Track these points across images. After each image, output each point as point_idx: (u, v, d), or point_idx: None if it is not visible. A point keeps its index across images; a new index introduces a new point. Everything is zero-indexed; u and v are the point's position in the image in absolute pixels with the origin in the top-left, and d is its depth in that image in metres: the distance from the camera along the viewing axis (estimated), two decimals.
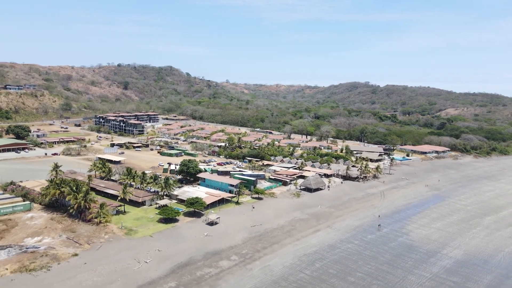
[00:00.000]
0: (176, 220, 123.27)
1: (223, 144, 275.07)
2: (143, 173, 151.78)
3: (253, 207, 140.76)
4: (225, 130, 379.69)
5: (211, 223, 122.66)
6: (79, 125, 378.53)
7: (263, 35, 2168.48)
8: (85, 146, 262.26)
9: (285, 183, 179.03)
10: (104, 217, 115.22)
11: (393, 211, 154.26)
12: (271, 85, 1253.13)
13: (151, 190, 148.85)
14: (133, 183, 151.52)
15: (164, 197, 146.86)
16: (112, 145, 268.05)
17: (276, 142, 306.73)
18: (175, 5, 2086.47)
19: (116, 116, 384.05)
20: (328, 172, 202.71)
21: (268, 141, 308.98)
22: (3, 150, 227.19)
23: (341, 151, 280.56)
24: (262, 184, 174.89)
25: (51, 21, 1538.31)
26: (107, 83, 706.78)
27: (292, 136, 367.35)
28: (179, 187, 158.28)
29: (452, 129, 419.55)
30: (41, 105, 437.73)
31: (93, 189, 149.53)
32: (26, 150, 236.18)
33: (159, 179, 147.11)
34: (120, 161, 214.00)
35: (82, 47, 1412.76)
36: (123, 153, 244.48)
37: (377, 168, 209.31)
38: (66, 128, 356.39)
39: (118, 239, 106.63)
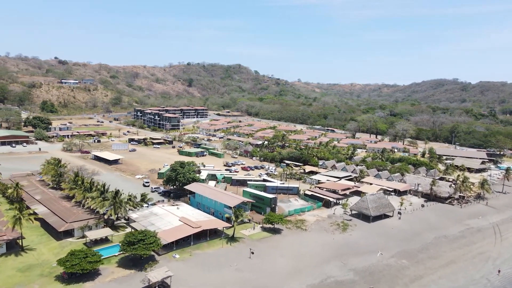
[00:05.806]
0: (93, 276, 66.11)
1: (260, 142, 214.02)
2: (91, 182, 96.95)
3: (252, 252, 78.24)
4: (278, 127, 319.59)
5: None
6: (117, 119, 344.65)
7: (338, 34, 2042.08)
8: (99, 141, 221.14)
9: (326, 204, 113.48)
10: None
11: None
12: (345, 84, 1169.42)
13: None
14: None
15: (120, 220, 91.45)
16: (130, 140, 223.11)
17: (335, 142, 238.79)
18: (251, 7, 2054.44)
19: (153, 109, 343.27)
20: (401, 187, 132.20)
21: (325, 139, 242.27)
22: None
23: (423, 155, 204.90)
24: (291, 204, 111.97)
25: (139, 29, 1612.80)
26: (172, 80, 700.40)
27: (358, 135, 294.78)
28: (153, 204, 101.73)
29: None
30: (91, 99, 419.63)
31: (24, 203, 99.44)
32: (25, 144, 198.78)
33: (109, 192, 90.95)
34: (117, 160, 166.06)
35: (159, 49, 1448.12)
36: (134, 150, 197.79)
37: (483, 183, 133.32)
38: (102, 122, 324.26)
39: None
